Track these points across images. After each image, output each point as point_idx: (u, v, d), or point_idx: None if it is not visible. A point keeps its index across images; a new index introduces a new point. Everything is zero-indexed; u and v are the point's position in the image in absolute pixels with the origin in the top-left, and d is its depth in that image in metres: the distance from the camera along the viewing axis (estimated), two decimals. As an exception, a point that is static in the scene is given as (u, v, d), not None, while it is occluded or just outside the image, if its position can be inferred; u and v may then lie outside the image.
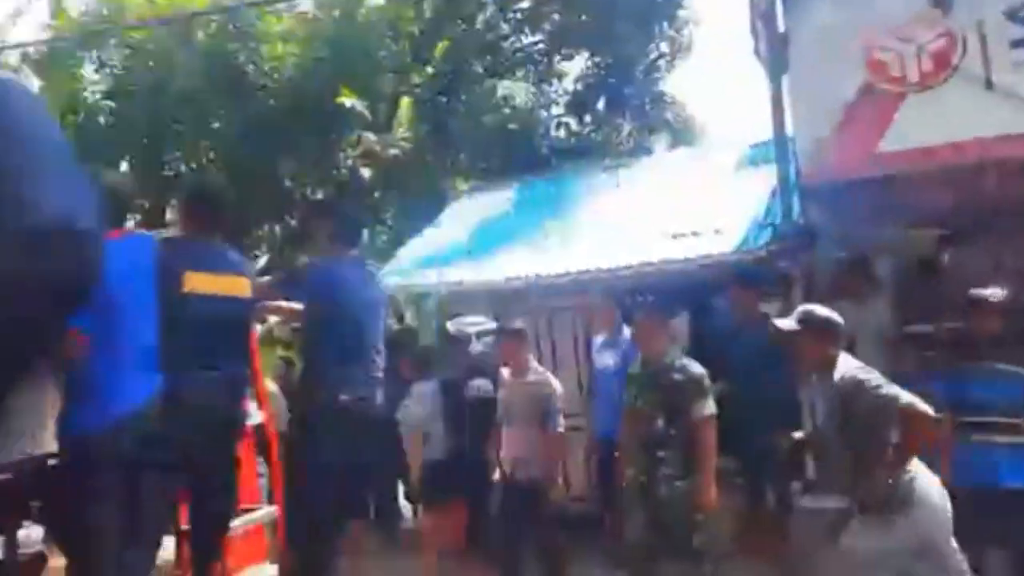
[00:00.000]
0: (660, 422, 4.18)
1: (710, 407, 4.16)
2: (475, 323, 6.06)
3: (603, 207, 7.45)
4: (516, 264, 6.82)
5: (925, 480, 3.21)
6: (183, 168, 10.35)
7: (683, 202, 6.87)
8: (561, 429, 4.88)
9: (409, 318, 12.75)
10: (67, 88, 10.19)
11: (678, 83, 28.85)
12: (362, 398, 3.64)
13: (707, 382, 4.22)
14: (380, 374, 3.84)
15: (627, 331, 5.38)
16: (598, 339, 5.89)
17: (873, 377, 3.21)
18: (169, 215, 10.56)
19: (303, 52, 9.97)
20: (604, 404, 5.60)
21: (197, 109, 10.06)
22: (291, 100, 9.89)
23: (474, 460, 5.30)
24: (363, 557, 4.25)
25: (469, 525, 5.49)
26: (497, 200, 8.56)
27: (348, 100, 9.30)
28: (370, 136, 9.58)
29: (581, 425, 6.43)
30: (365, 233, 12.08)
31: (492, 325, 6.03)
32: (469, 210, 8.54)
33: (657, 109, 12.28)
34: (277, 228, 11.42)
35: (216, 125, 10.23)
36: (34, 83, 13.31)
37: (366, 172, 9.49)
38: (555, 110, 11.33)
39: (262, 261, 11.53)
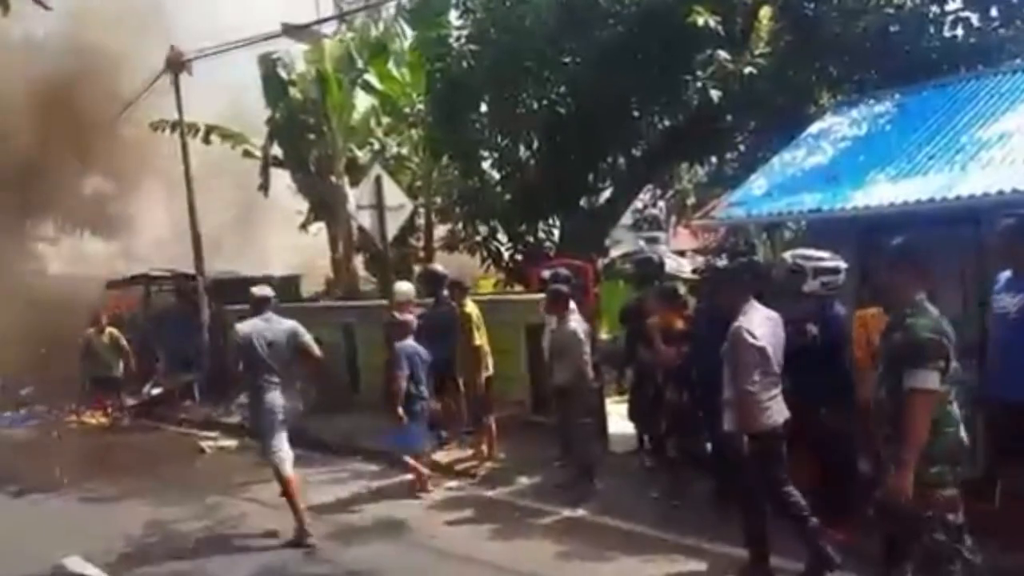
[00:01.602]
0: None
1: None
2: (816, 258, 5.39)
3: (1010, 120, 6.16)
4: (890, 189, 5.96)
5: None
6: (535, 105, 10.71)
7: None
8: None
9: (761, 254, 12.06)
10: (435, 35, 11.06)
11: None
12: None
13: None
14: None
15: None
16: (1002, 277, 4.90)
17: None
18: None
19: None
20: (1003, 356, 4.71)
21: (549, 45, 10.30)
22: (640, 25, 9.67)
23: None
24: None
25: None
26: (871, 115, 7.58)
27: (700, 17, 8.80)
28: (722, 54, 8.99)
29: (965, 380, 5.77)
30: (714, 160, 11.62)
31: (835, 262, 5.34)
32: (836, 129, 7.71)
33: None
34: (622, 160, 11.37)
35: (566, 60, 10.40)
36: (407, 33, 14.81)
37: (716, 94, 8.93)
38: (951, 5, 9.63)
39: (606, 194, 11.61)
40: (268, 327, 6.77)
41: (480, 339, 8.24)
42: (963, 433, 3.76)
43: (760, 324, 4.89)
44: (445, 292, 8.75)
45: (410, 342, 7.60)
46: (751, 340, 4.82)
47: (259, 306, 6.90)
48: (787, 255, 5.60)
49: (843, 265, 5.39)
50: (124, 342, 13.19)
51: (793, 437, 5.02)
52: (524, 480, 7.79)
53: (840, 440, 5.33)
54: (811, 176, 6.84)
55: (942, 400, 3.65)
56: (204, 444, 10.77)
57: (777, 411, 4.91)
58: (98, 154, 17.95)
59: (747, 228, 11.37)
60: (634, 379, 7.37)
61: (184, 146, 15.28)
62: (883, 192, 6.00)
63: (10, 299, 15.73)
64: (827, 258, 5.39)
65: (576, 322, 7.14)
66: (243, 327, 6.86)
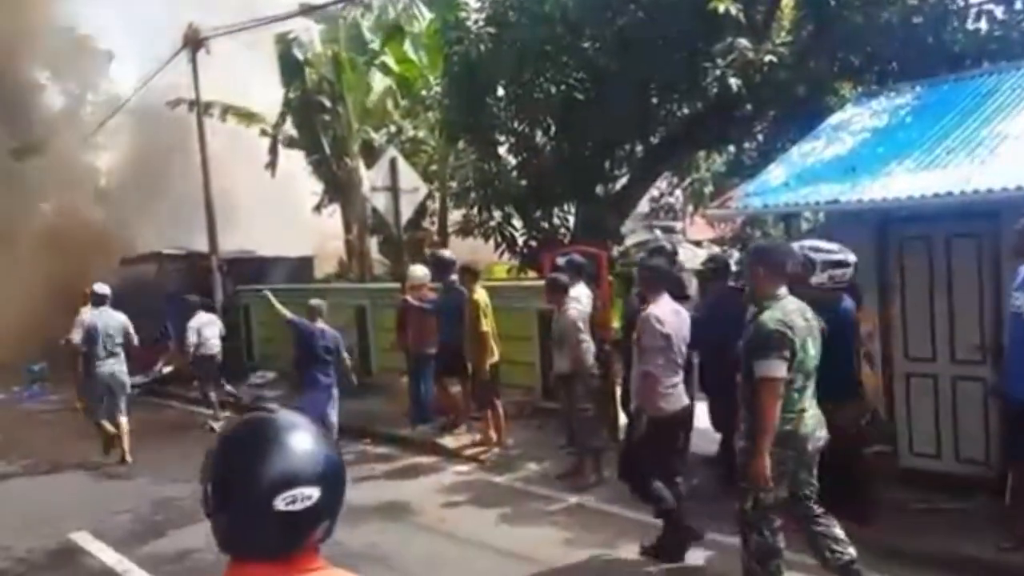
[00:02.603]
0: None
1: None
2: (826, 250, 5.35)
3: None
4: (909, 181, 5.93)
5: None
6: (552, 90, 10.67)
7: None
8: None
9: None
10: (452, 17, 11.02)
11: None
12: None
13: None
14: None
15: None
16: (1021, 271, 4.88)
17: None
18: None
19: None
20: (1014, 355, 4.70)
21: (568, 29, 10.25)
22: (661, 11, 9.61)
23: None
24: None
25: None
26: (892, 107, 7.51)
27: (722, 4, 8.74)
28: (742, 42, 8.93)
29: (981, 376, 5.90)
30: (733, 150, 11.56)
31: (844, 256, 5.30)
32: (856, 120, 7.63)
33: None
34: (639, 147, 11.32)
35: (585, 45, 10.35)
36: (424, 14, 14.78)
37: (736, 82, 8.88)
38: (975, -3, 9.51)
39: (622, 182, 11.56)
40: (104, 317, 9.28)
41: (486, 325, 8.27)
42: (806, 422, 4.15)
43: (667, 314, 5.42)
44: (453, 277, 8.78)
45: (310, 323, 8.35)
46: (658, 326, 5.32)
47: (98, 301, 9.45)
48: (796, 246, 5.58)
49: (852, 259, 5.35)
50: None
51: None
52: (532, 466, 7.84)
53: (847, 436, 5.32)
54: (830, 167, 6.79)
55: (788, 386, 4.06)
56: (212, 423, 10.88)
57: (677, 397, 5.43)
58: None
59: (764, 218, 11.33)
60: (624, 371, 7.34)
61: (200, 124, 15.37)
62: (902, 184, 5.95)
63: (24, 276, 15.92)
64: (836, 251, 5.35)
65: (575, 310, 7.13)
66: (88, 317, 9.46)
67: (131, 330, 9.46)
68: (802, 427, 4.15)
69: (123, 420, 9.28)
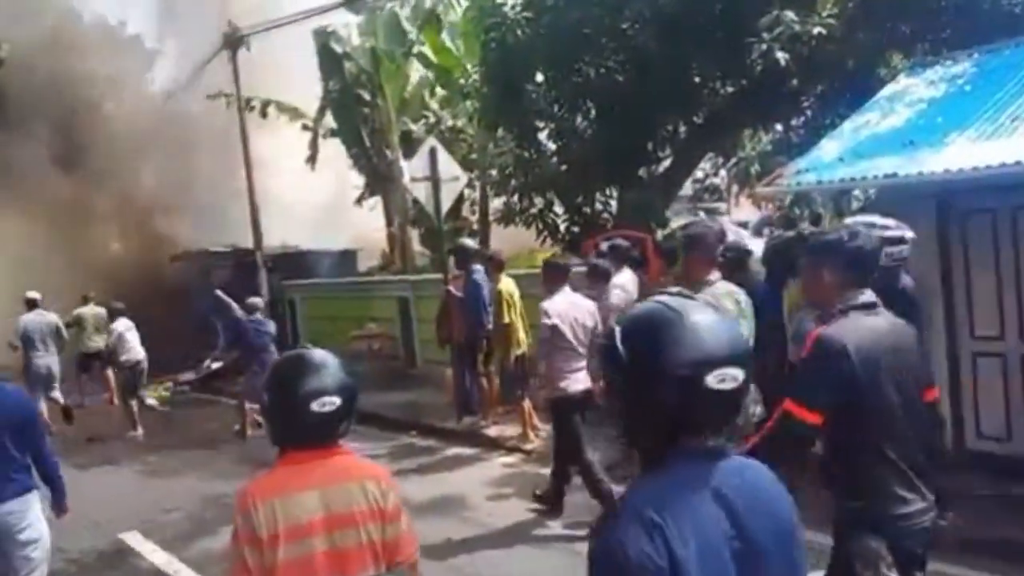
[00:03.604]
0: None
1: None
2: (881, 226, 5.04)
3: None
4: (971, 152, 5.62)
5: None
6: (592, 73, 10.45)
7: None
8: None
9: (826, 224, 11.63)
10: (488, 4, 10.85)
11: None
12: None
13: None
14: None
15: None
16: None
17: None
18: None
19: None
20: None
21: (607, 10, 10.02)
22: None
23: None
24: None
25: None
26: (949, 76, 7.16)
27: (765, -23, 8.46)
28: (789, 15, 8.61)
29: (1001, 351, 5.90)
30: (780, 127, 11.20)
31: (901, 231, 4.99)
32: (911, 91, 7.30)
33: None
34: (682, 128, 11.03)
35: (625, 25, 10.10)
36: (461, 2, 14.62)
37: (782, 56, 8.57)
38: (1035, -43, 9.05)
39: (665, 164, 11.29)
40: (38, 319, 11.15)
41: (510, 316, 8.11)
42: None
43: (558, 304, 6.02)
44: (477, 266, 8.68)
45: (246, 315, 9.98)
46: (544, 319, 6.02)
47: (31, 305, 11.22)
48: (849, 221, 5.30)
49: (909, 234, 5.06)
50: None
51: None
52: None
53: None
54: (885, 140, 6.49)
55: None
56: (259, 418, 10.91)
57: (574, 381, 6.01)
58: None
59: (813, 197, 10.97)
60: None
61: (242, 121, 15.46)
62: (963, 156, 5.65)
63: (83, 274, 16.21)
64: (892, 226, 5.04)
65: (618, 297, 6.96)
66: (23, 319, 11.11)
67: (62, 330, 11.44)
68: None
69: (58, 396, 11.27)
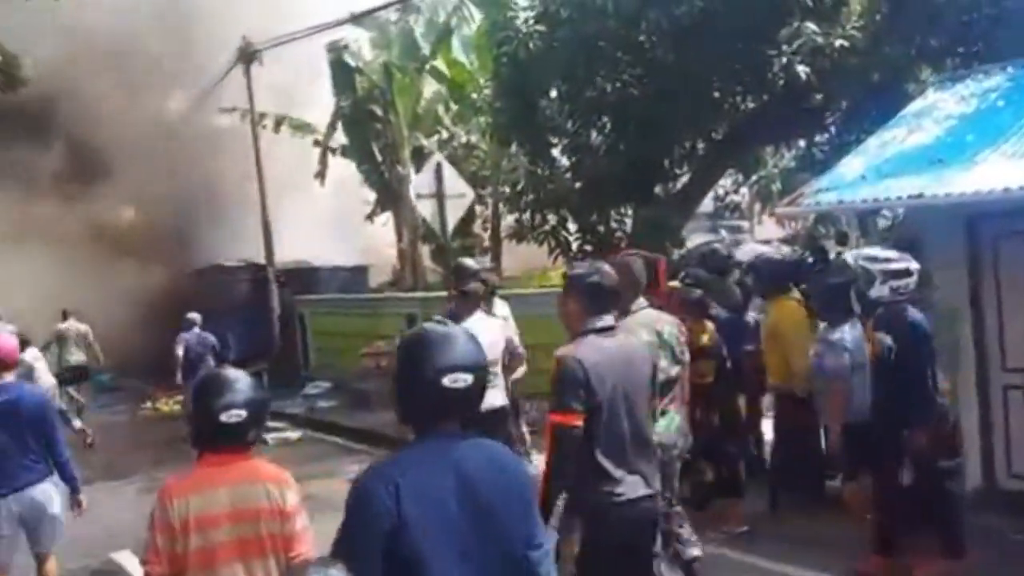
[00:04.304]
0: None
1: None
2: (884, 259, 4.76)
3: None
4: (1004, 171, 5.28)
5: None
6: (607, 88, 10.19)
7: None
8: None
9: (853, 244, 11.21)
10: (502, 17, 10.63)
11: None
12: None
13: None
14: None
15: None
16: None
17: None
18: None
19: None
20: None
21: (622, 23, 9.77)
22: (722, -1, 9.04)
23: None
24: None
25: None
26: (981, 91, 6.81)
27: (788, -12, 8.18)
28: (810, 27, 8.30)
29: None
30: (803, 144, 10.85)
31: (906, 264, 4.72)
32: (940, 106, 6.95)
33: None
34: (701, 144, 10.72)
35: (641, 38, 9.84)
36: (475, 16, 14.45)
37: (804, 70, 8.25)
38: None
39: (683, 181, 10.98)
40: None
41: None
42: (656, 428, 3.86)
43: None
44: (471, 286, 8.38)
45: (194, 332, 11.12)
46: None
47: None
48: (849, 256, 5.04)
49: (915, 266, 4.76)
50: (91, 335, 13.06)
51: (878, 459, 4.87)
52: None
53: (923, 464, 4.71)
54: (911, 158, 6.15)
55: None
56: (267, 436, 10.70)
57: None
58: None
59: (837, 216, 10.62)
60: None
61: (255, 136, 15.38)
62: (995, 175, 5.30)
63: (100, 284, 16.20)
64: (895, 259, 4.77)
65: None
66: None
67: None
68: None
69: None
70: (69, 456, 5.21)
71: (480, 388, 2.20)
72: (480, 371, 2.19)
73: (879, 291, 4.67)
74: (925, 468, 4.70)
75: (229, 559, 2.81)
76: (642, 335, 4.10)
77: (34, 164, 18.26)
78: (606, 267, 3.55)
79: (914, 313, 4.76)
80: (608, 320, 3.46)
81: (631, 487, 3.31)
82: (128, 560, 6.48)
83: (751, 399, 6.70)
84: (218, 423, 2.84)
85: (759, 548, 5.55)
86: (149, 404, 14.61)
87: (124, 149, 18.75)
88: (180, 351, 11.04)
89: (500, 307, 7.96)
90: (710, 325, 6.05)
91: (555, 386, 3.28)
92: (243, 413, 2.85)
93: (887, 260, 4.74)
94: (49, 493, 5.11)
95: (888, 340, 4.63)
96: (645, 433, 3.45)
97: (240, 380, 2.93)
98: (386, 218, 17.41)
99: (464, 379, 2.14)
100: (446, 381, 2.12)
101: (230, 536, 2.81)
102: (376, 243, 18.24)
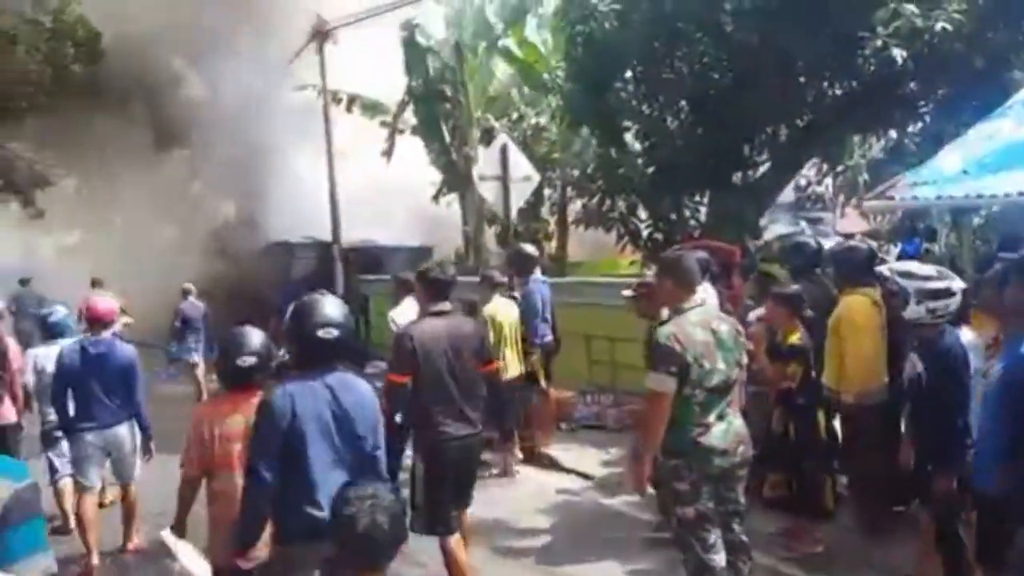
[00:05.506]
0: None
1: None
2: (921, 276, 4.22)
3: None
4: None
5: None
6: (685, 70, 9.79)
7: None
8: None
9: (943, 242, 10.57)
10: (580, -2, 10.30)
11: None
12: None
13: None
14: None
15: None
16: None
17: None
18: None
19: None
20: None
21: (703, 2, 9.36)
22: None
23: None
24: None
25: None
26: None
27: (883, -36, 7.66)
28: (909, 8, 7.76)
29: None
30: (894, 134, 10.25)
31: (946, 283, 4.18)
32: (1051, 96, 6.38)
33: None
34: (783, 130, 10.21)
35: (724, 20, 9.41)
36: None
37: (900, 54, 7.73)
38: None
39: (762, 169, 10.51)
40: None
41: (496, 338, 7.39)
42: (712, 434, 3.97)
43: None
44: (536, 275, 8.14)
45: (189, 300, 11.82)
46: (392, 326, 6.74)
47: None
48: (885, 269, 4.54)
49: (957, 286, 4.20)
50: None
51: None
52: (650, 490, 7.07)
53: (948, 507, 4.22)
54: (1018, 152, 5.68)
55: (686, 400, 3.93)
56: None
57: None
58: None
59: (928, 212, 10.04)
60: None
61: (327, 115, 15.42)
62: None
63: (170, 259, 16.53)
64: (935, 277, 4.18)
65: None
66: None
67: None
68: (705, 440, 3.99)
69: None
70: (145, 408, 6.10)
71: (346, 339, 3.44)
72: (344, 327, 3.42)
73: (915, 312, 4.15)
74: (942, 509, 4.23)
75: (242, 463, 3.67)
76: (697, 334, 3.97)
77: (111, 138, 18.71)
78: (447, 265, 4.71)
79: (950, 338, 4.24)
80: (445, 305, 4.77)
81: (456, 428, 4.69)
82: (172, 541, 6.42)
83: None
84: (236, 367, 3.97)
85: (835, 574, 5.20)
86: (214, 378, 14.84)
87: (200, 126, 19.13)
88: (178, 322, 11.68)
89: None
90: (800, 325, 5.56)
91: (394, 355, 4.75)
92: (253, 359, 3.97)
93: (926, 278, 4.18)
94: (126, 434, 6.06)
95: (920, 365, 4.18)
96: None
97: (254, 335, 4.07)
98: (451, 199, 17.29)
99: (332, 332, 3.38)
100: (321, 332, 3.36)
101: (243, 448, 3.71)
102: (442, 225, 18.15)
